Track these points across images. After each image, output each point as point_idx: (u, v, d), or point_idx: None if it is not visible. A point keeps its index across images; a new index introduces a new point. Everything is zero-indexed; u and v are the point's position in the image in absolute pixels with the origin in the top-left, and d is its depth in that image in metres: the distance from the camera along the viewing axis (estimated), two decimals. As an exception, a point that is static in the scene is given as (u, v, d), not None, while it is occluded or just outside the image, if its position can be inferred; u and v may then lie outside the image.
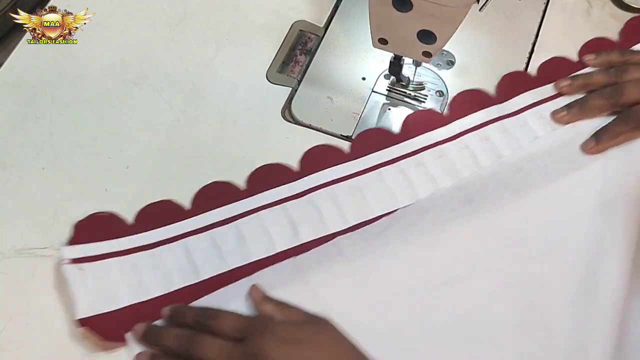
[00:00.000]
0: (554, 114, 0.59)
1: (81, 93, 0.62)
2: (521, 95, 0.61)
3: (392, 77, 0.62)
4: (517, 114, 0.60)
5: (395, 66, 0.59)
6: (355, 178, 0.56)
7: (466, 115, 0.60)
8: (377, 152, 0.58)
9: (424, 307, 0.50)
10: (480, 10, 0.50)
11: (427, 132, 0.59)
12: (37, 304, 0.51)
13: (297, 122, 0.61)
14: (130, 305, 0.49)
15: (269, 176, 0.56)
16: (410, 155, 0.57)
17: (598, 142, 0.57)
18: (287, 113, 0.62)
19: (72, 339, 0.50)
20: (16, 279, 0.52)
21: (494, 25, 0.67)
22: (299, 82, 0.63)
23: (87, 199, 0.56)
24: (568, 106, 0.59)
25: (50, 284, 0.52)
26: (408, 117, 0.60)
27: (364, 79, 0.64)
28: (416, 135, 0.59)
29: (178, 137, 0.60)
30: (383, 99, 0.63)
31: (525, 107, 0.60)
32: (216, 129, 0.60)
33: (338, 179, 0.56)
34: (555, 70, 0.63)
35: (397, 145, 0.58)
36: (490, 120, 0.59)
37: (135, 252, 0.52)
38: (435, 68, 0.64)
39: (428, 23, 0.49)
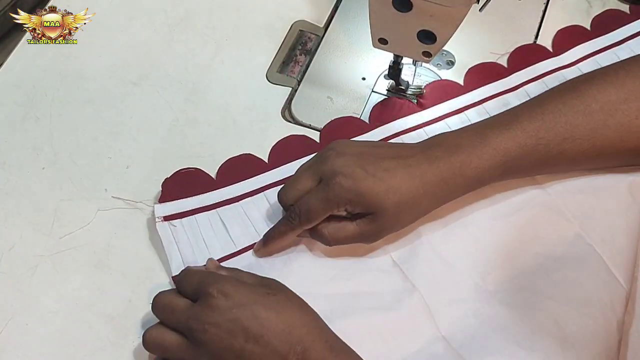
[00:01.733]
0: (255, 250, 0.53)
1: (81, 93, 0.62)
2: (577, 47, 0.65)
3: (392, 81, 0.62)
4: (573, 65, 0.63)
5: (394, 70, 0.59)
6: (423, 128, 0.60)
7: (525, 68, 0.63)
8: (444, 102, 0.61)
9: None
10: (480, 10, 0.50)
11: (488, 83, 0.62)
12: (37, 304, 0.51)
13: (297, 122, 0.61)
14: (221, 257, 0.52)
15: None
16: (475, 105, 0.61)
17: (265, 245, 0.52)
18: (287, 113, 0.62)
19: (72, 339, 0.50)
20: (16, 279, 0.52)
21: (494, 25, 0.67)
22: (299, 82, 0.63)
23: (87, 199, 0.56)
24: (264, 238, 0.53)
25: (51, 283, 0.52)
26: (470, 70, 0.63)
27: (364, 79, 0.64)
28: (479, 87, 0.62)
29: (178, 137, 0.60)
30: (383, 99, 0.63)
31: (581, 58, 0.64)
32: (216, 129, 0.60)
33: (410, 128, 0.60)
34: (610, 22, 0.66)
35: (462, 96, 0.61)
36: (549, 71, 0.63)
37: (222, 205, 0.55)
38: (435, 68, 0.64)
39: (428, 23, 0.49)
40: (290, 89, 0.63)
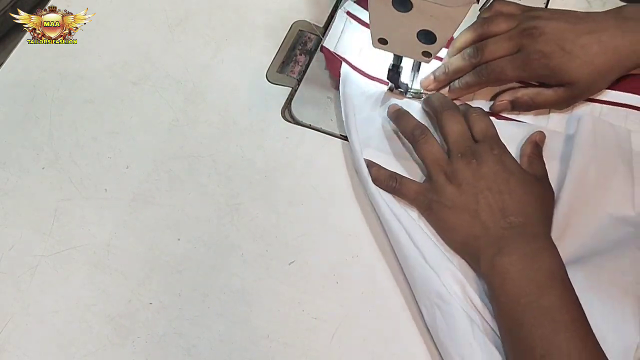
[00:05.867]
0: (422, 83, 0.61)
1: (81, 93, 0.62)
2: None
3: (391, 84, 0.61)
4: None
5: (394, 73, 0.59)
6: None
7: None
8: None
9: None
10: (480, 10, 0.50)
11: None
12: (37, 304, 0.51)
13: (297, 122, 0.61)
14: (358, 67, 0.62)
15: None
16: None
17: (450, 92, 0.60)
18: (287, 113, 0.62)
19: (72, 339, 0.50)
20: (16, 279, 0.52)
21: (494, 25, 0.67)
22: (299, 82, 0.63)
23: (87, 199, 0.56)
24: (433, 73, 0.61)
25: (51, 283, 0.52)
26: None
27: (364, 79, 0.63)
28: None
29: (178, 137, 0.60)
30: (383, 99, 0.63)
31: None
32: (216, 129, 0.60)
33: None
34: None
35: None
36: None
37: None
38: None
39: (428, 23, 0.49)
40: (290, 89, 0.63)
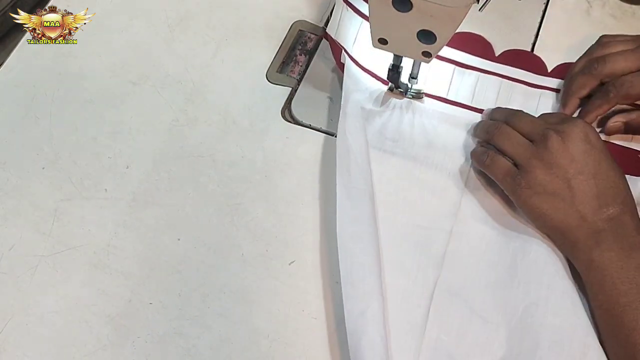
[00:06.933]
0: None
1: (81, 93, 0.62)
2: None
3: (391, 84, 0.61)
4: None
5: (394, 73, 0.59)
6: None
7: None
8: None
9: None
10: (480, 10, 0.50)
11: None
12: (37, 304, 0.51)
13: (297, 122, 0.61)
14: (354, 57, 0.62)
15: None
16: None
17: (583, 115, 0.58)
18: (287, 113, 0.62)
19: (72, 339, 0.50)
20: (16, 279, 0.52)
21: (494, 25, 0.67)
22: (299, 82, 0.63)
23: (87, 199, 0.56)
24: (562, 103, 0.60)
25: (51, 283, 0.52)
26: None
27: (364, 79, 0.63)
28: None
29: (178, 137, 0.60)
30: (383, 99, 0.63)
31: None
32: (216, 129, 0.60)
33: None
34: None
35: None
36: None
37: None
38: (435, 68, 0.64)
39: (428, 23, 0.49)
40: (290, 89, 0.63)
